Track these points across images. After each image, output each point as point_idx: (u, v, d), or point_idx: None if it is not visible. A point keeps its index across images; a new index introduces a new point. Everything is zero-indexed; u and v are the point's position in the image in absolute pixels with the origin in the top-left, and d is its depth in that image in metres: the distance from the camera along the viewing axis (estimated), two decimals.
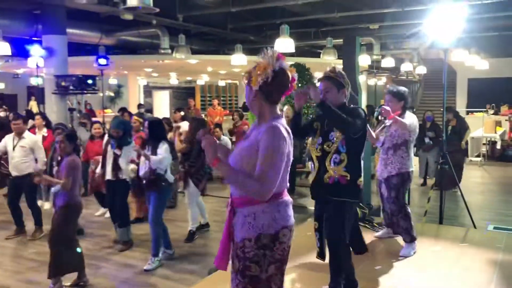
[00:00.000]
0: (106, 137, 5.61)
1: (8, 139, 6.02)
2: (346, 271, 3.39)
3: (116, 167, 5.24)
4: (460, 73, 18.74)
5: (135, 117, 7.46)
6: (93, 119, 9.91)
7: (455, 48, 12.95)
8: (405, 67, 15.83)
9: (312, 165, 3.43)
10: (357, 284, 3.52)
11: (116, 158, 5.23)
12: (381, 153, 4.42)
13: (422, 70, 17.19)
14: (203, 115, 14.68)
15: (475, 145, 12.35)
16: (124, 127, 5.38)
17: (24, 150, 5.92)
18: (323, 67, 12.44)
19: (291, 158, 2.20)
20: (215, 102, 14.44)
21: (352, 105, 3.45)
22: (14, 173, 5.95)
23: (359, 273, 3.59)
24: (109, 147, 5.33)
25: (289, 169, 2.22)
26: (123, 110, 10.72)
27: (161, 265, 4.86)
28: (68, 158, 4.29)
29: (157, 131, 4.95)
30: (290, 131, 2.22)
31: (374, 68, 18.03)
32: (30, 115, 9.36)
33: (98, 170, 5.66)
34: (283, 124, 2.18)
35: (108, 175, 5.33)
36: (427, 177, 8.86)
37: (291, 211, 2.22)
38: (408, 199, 6.26)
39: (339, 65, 5.77)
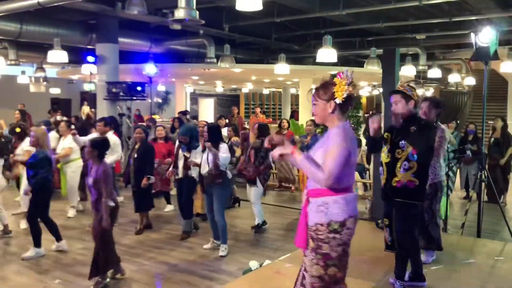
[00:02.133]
0: (177, 142, 6.30)
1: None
2: (414, 265, 3.82)
3: (186, 167, 6.00)
4: None
5: (202, 122, 8.09)
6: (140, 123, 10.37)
7: (499, 60, 12.58)
8: (453, 78, 15.52)
9: (382, 170, 3.78)
10: (424, 279, 3.84)
11: (186, 159, 5.98)
12: None
13: (471, 81, 16.75)
14: (246, 123, 14.96)
15: None
16: (191, 133, 6.07)
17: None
18: (366, 76, 12.49)
19: (355, 158, 2.61)
20: (258, 110, 14.67)
21: (423, 120, 3.87)
22: None
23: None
24: (180, 151, 6.09)
25: (354, 167, 2.63)
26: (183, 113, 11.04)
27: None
28: (101, 168, 4.42)
29: (216, 134, 5.59)
30: (353, 134, 2.67)
31: (421, 79, 17.74)
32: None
33: (170, 169, 6.39)
34: (349, 127, 2.61)
35: (180, 174, 6.08)
36: (469, 190, 8.66)
37: (356, 203, 2.63)
38: (447, 211, 6.21)
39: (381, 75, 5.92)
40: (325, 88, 2.58)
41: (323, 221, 2.52)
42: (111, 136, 6.81)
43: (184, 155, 6.02)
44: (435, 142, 4.23)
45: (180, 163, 6.06)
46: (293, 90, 21.22)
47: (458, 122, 9.22)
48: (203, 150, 5.67)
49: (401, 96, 3.70)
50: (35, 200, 5.23)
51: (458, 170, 8.61)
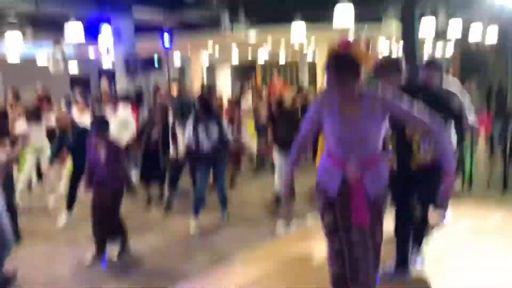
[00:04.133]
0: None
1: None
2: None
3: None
4: None
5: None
6: None
7: None
8: (474, 35, 15.05)
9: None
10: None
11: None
12: None
13: (493, 38, 16.22)
14: (263, 92, 14.90)
15: None
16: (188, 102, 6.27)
17: (121, 124, 6.68)
18: (386, 33, 11.82)
19: None
20: (275, 76, 14.57)
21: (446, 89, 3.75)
22: None
23: None
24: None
25: None
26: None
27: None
28: (111, 144, 4.67)
29: (209, 106, 5.54)
30: None
31: (440, 37, 17.25)
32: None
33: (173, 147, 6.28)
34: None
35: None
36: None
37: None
38: (471, 167, 6.17)
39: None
40: (352, 68, 2.49)
41: (381, 187, 2.58)
42: (123, 113, 6.83)
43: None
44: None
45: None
46: (309, 59, 20.96)
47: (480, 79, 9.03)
48: (197, 124, 5.43)
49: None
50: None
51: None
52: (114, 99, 7.06)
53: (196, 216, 5.38)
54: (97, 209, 4.59)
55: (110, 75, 12.87)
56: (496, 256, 3.81)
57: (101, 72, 19.69)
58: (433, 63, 4.22)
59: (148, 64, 9.88)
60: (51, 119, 6.83)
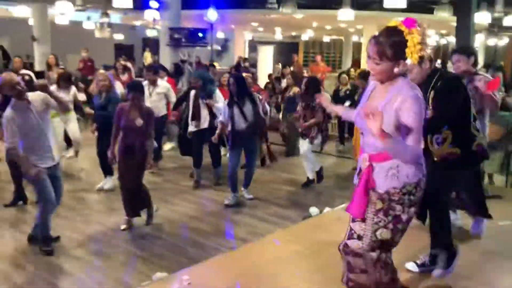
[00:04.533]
0: (193, 91, 6.02)
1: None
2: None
3: (212, 116, 5.85)
4: None
5: (246, 74, 7.61)
6: None
7: None
8: None
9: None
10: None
11: (210, 107, 5.83)
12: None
13: None
14: (305, 71, 14.72)
15: None
16: (204, 77, 5.94)
17: (159, 95, 6.75)
18: (435, 24, 11.72)
19: None
20: (318, 58, 14.35)
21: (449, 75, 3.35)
22: None
23: None
24: (200, 101, 5.85)
25: None
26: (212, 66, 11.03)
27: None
28: (144, 110, 4.64)
29: (243, 85, 5.38)
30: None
31: (496, 27, 16.51)
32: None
33: (191, 123, 6.04)
34: (413, 84, 2.43)
35: (204, 125, 5.91)
36: None
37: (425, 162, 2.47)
38: (509, 166, 5.94)
39: (453, 22, 5.47)
40: (394, 46, 2.24)
41: (396, 185, 2.33)
42: (162, 82, 6.97)
43: (206, 104, 5.84)
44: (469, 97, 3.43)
45: (204, 112, 5.88)
46: (355, 38, 20.47)
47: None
48: (231, 105, 5.33)
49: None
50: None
51: None
52: (153, 70, 7.06)
53: (234, 191, 5.47)
54: (125, 176, 4.56)
55: (155, 44, 13.00)
56: None
57: (146, 41, 19.96)
58: (461, 48, 4.11)
59: (192, 36, 9.89)
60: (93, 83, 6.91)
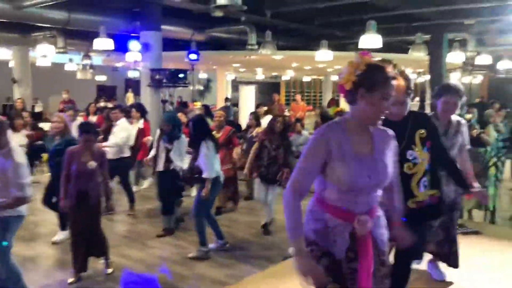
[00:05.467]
0: (158, 131, 5.89)
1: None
2: None
3: (168, 160, 5.55)
4: None
5: (219, 112, 7.21)
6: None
7: None
8: (503, 64, 14.85)
9: None
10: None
11: (168, 151, 5.54)
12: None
13: None
14: (286, 110, 14.91)
15: None
16: (174, 122, 5.62)
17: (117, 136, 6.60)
18: (411, 63, 12.06)
19: None
20: (298, 97, 14.59)
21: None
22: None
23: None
24: (161, 142, 5.65)
25: None
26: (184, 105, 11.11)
27: (208, 257, 4.95)
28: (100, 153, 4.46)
29: (201, 128, 5.03)
30: None
31: (469, 66, 17.05)
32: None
33: (150, 162, 5.98)
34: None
35: (160, 167, 5.65)
36: None
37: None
38: (494, 202, 6.02)
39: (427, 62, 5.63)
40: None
41: (386, 233, 2.26)
42: (122, 123, 6.83)
43: (166, 147, 5.56)
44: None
45: (162, 156, 5.61)
46: (334, 77, 20.91)
47: (508, 110, 8.83)
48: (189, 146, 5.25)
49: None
50: None
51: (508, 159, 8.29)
52: (120, 109, 7.06)
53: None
54: (78, 224, 4.26)
55: (137, 85, 13.07)
56: None
57: (129, 82, 20.10)
58: (455, 88, 3.56)
59: (173, 76, 9.99)
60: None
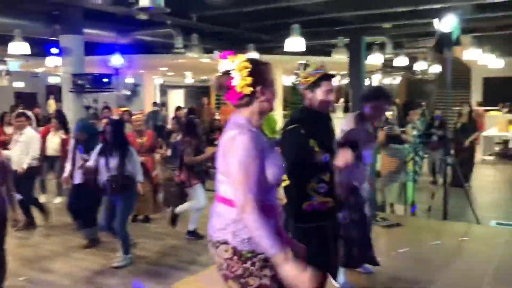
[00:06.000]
0: (72, 141, 5.52)
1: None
2: None
3: (86, 172, 5.06)
4: (475, 71, 18.60)
5: (137, 117, 7.06)
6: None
7: (463, 46, 12.88)
8: (419, 66, 15.81)
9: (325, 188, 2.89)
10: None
11: (85, 162, 5.10)
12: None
13: (436, 68, 17.11)
14: (217, 114, 14.91)
15: (488, 144, 12.30)
16: (89, 130, 5.35)
17: (23, 145, 6.24)
18: (334, 65, 12.52)
19: None
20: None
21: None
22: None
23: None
24: (77, 152, 5.27)
25: None
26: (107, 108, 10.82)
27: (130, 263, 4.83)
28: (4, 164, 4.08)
29: (120, 132, 4.83)
30: None
31: (388, 67, 17.99)
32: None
33: (67, 173, 5.47)
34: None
35: (77, 180, 5.31)
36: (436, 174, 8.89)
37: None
38: (413, 195, 6.38)
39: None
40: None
41: None
42: (29, 132, 6.43)
43: (84, 158, 5.14)
44: None
45: (79, 168, 5.22)
46: (293, 83, 21.21)
47: (424, 109, 9.40)
48: (102, 153, 4.76)
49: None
50: None
51: (425, 155, 8.83)
52: (25, 116, 6.60)
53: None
54: None
55: (59, 92, 12.50)
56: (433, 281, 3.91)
57: (50, 88, 19.13)
58: (384, 94, 3.58)
59: (97, 81, 9.63)
60: None
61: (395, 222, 5.39)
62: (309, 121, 2.82)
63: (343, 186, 3.25)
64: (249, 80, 2.05)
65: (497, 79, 17.43)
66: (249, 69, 2.06)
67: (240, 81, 2.05)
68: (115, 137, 4.71)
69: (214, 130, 5.78)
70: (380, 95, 3.56)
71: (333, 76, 2.99)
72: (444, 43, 5.43)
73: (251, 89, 2.06)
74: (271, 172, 2.05)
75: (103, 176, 4.72)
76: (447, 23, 5.29)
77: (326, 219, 2.89)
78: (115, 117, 8.01)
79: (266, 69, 2.14)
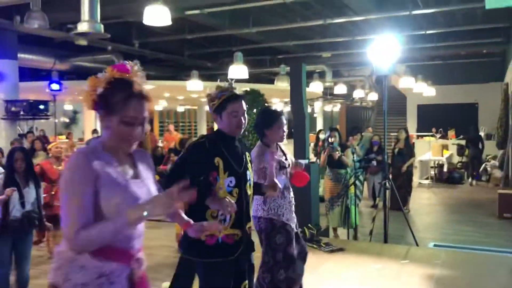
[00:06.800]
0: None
1: None
2: None
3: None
4: (410, 99, 19.59)
5: (55, 143, 6.49)
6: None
7: (398, 75, 13.59)
8: (357, 93, 16.45)
9: (227, 217, 2.57)
10: None
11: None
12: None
13: (374, 96, 17.87)
14: (160, 141, 14.68)
15: (424, 168, 12.86)
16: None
17: None
18: (277, 93, 12.77)
19: None
20: (171, 127, 14.48)
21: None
22: None
23: None
24: None
25: None
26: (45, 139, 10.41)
27: None
28: None
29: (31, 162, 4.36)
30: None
31: (328, 95, 18.58)
32: None
33: None
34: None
35: None
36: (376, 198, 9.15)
37: None
38: (355, 219, 6.50)
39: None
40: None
41: None
42: None
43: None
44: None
45: None
46: (208, 108, 21.20)
47: (363, 134, 9.70)
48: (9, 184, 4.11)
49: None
50: None
51: (365, 179, 9.07)
52: None
53: None
54: None
55: None
56: None
57: None
58: (280, 115, 3.42)
59: (32, 108, 9.23)
60: None
61: (338, 247, 5.44)
62: (218, 140, 2.67)
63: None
64: (94, 97, 1.77)
65: (430, 106, 18.44)
66: (102, 87, 1.75)
67: (84, 95, 1.79)
68: (29, 166, 4.23)
69: (159, 158, 5.43)
70: (278, 116, 3.38)
71: (241, 97, 2.70)
72: (379, 72, 5.67)
73: (94, 107, 1.80)
74: (115, 206, 1.67)
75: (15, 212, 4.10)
76: (382, 53, 5.54)
77: (233, 253, 2.57)
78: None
79: (118, 94, 1.76)
